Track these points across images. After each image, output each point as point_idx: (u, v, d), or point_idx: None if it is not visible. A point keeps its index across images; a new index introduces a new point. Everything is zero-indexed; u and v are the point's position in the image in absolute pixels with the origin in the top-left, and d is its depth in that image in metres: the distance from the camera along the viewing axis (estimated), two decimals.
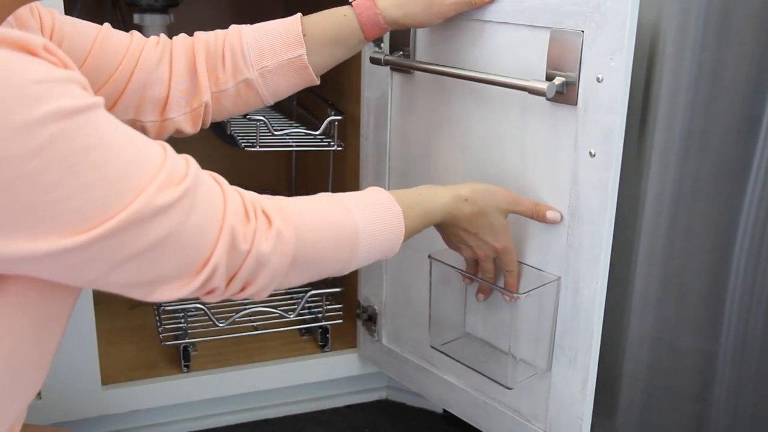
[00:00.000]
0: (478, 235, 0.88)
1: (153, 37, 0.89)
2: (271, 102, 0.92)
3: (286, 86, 0.91)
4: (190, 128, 0.89)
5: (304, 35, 0.89)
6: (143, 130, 0.86)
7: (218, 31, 0.90)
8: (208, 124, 0.91)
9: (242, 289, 0.66)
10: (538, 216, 0.90)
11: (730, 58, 0.95)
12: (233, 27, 0.91)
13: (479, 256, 0.91)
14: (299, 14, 0.91)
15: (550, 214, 0.89)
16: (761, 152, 0.96)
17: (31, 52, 0.52)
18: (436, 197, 0.86)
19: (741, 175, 0.98)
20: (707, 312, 1.04)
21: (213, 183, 0.63)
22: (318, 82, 0.92)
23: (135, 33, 0.88)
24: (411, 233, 0.82)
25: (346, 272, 0.77)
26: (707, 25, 0.95)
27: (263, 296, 0.69)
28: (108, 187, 0.53)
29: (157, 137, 0.86)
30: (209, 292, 0.64)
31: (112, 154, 0.54)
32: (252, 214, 0.64)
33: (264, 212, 0.65)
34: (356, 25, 0.89)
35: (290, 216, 0.68)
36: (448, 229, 0.89)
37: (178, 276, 0.60)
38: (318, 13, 0.91)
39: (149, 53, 0.86)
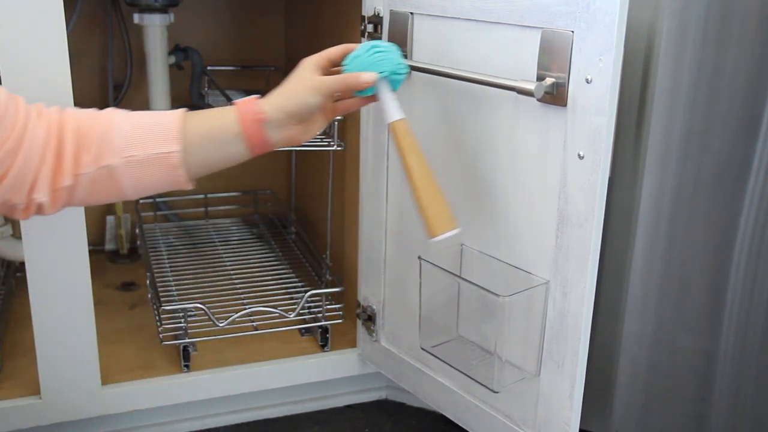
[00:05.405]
0: None
1: (32, 108, 0.78)
2: (133, 198, 0.84)
3: (151, 183, 0.82)
4: (50, 207, 0.80)
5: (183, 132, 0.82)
6: (13, 210, 0.79)
7: (89, 112, 0.82)
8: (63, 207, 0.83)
9: None
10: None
11: (730, 58, 0.95)
12: (108, 110, 0.83)
13: None
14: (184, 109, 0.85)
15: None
16: (761, 152, 0.96)
17: None
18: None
19: (741, 175, 0.98)
20: (707, 312, 1.04)
21: None
22: (191, 187, 0.85)
23: (21, 101, 0.78)
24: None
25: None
26: (707, 25, 0.95)
27: None
28: None
29: (24, 218, 0.80)
30: None
31: None
32: None
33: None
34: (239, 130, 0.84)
35: None
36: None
37: None
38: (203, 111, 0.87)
39: (36, 131, 0.77)
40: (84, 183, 0.80)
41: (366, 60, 0.89)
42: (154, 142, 0.80)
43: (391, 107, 0.90)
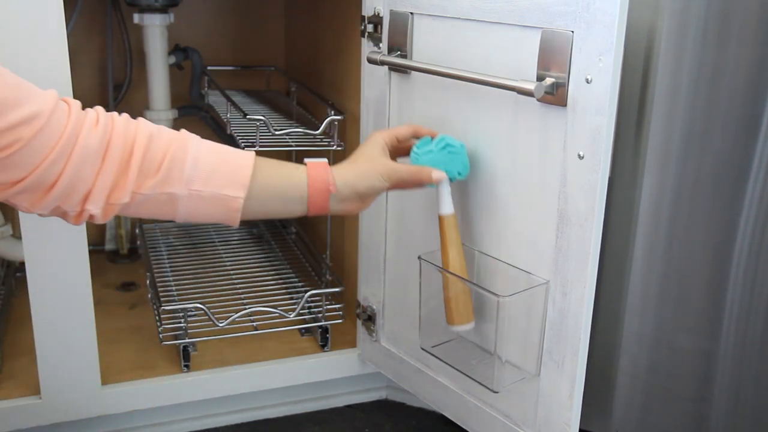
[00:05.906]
0: None
1: (90, 114, 0.76)
2: (180, 221, 0.85)
3: (205, 216, 0.83)
4: (101, 219, 0.78)
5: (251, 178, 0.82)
6: (64, 215, 0.78)
7: (163, 130, 0.80)
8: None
9: None
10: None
11: (730, 58, 0.95)
12: (183, 134, 0.82)
13: None
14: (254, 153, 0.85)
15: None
16: (761, 152, 0.96)
17: None
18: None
19: (741, 175, 0.98)
20: (707, 312, 1.04)
21: None
22: (236, 226, 0.85)
23: (74, 107, 0.75)
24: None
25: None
26: (707, 25, 0.95)
27: None
28: None
29: (75, 223, 0.79)
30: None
31: None
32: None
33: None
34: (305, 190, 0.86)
35: None
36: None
37: None
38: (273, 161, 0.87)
39: (88, 140, 0.74)
40: (140, 201, 0.78)
41: (437, 156, 0.93)
42: (223, 183, 0.80)
43: (446, 201, 0.95)
